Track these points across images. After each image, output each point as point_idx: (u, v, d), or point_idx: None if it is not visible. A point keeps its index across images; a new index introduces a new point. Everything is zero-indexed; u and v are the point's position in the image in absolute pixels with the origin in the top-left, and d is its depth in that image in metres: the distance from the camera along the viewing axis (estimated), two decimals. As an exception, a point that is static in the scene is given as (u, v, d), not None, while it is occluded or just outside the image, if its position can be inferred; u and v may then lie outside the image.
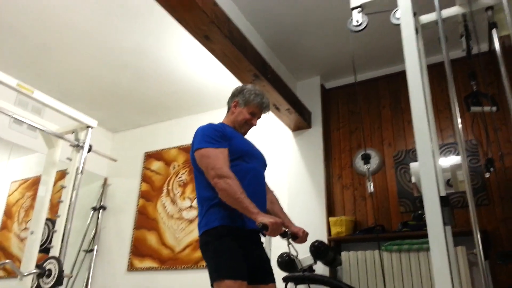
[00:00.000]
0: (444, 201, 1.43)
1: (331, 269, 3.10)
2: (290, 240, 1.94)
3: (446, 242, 1.41)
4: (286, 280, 2.81)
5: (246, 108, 2.08)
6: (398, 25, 1.74)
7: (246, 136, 2.14)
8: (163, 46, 3.28)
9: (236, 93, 2.13)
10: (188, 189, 4.06)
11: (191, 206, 3.97)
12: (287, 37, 3.25)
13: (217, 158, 1.82)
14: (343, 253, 3.05)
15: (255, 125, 2.12)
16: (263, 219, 1.67)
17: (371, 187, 1.81)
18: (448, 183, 3.05)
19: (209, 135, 1.90)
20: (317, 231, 3.22)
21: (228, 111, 2.16)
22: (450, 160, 3.10)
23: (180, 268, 3.78)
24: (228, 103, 2.16)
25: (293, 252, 1.91)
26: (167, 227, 4.02)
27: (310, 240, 2.84)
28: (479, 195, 2.93)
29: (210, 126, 1.97)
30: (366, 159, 2.21)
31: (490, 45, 1.66)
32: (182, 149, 4.28)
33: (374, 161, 3.40)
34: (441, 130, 3.23)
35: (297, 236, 1.99)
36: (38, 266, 2.35)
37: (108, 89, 3.90)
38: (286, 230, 1.92)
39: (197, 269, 3.70)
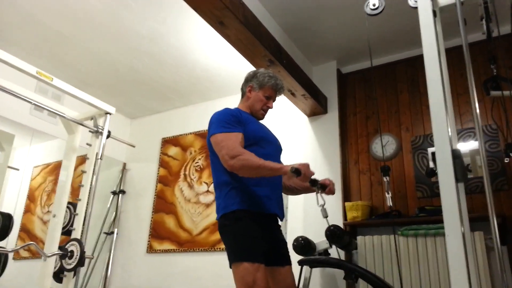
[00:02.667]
0: (456, 154, 1.42)
1: (346, 253, 3.12)
2: (319, 188, 1.95)
3: (458, 199, 1.40)
4: (301, 263, 2.84)
5: (261, 91, 2.08)
6: (416, 8, 1.70)
7: (262, 122, 2.15)
8: (179, 32, 3.29)
9: (250, 78, 2.13)
10: (205, 174, 4.11)
11: (207, 191, 4.03)
12: (303, 21, 3.22)
13: (230, 140, 1.84)
14: (359, 238, 3.06)
15: (272, 107, 2.13)
16: (293, 165, 1.74)
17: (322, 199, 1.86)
18: (467, 168, 3.02)
19: (224, 120, 1.92)
20: (333, 216, 3.23)
21: (242, 97, 2.17)
22: (470, 145, 3.05)
23: (197, 251, 3.85)
24: (242, 88, 2.17)
25: (321, 201, 1.92)
26: (184, 211, 4.09)
27: (325, 224, 2.87)
28: (498, 180, 2.89)
29: (226, 111, 1.98)
30: (385, 171, 2.20)
31: None
32: (198, 134, 4.32)
33: (391, 147, 3.37)
34: (460, 114, 3.17)
35: (326, 185, 1.98)
36: (60, 247, 2.43)
37: (125, 76, 3.94)
38: (316, 179, 1.91)
39: (214, 252, 3.77)
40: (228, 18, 2.40)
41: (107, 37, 3.36)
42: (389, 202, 2.59)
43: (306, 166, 1.76)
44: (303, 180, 1.79)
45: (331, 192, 2.00)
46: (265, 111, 2.12)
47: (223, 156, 1.82)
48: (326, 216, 1.93)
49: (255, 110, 2.09)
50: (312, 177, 1.83)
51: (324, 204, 1.93)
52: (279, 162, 2.09)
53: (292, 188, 2.18)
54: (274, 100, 2.14)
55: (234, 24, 2.46)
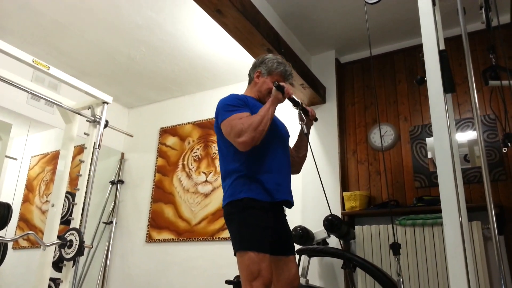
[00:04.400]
0: (443, 58, 1.42)
1: (344, 242, 3.14)
2: (302, 110, 2.08)
3: (446, 109, 1.41)
4: (300, 252, 2.86)
5: (270, 77, 2.05)
6: (415, -4, 1.69)
7: None
8: (176, 21, 3.26)
9: (258, 64, 2.10)
10: (203, 164, 4.11)
11: (206, 181, 4.03)
12: (301, 10, 3.19)
13: (234, 120, 1.83)
14: (357, 227, 3.07)
15: None
16: (274, 83, 1.92)
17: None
18: (465, 158, 3.02)
19: (230, 104, 1.91)
20: (331, 206, 3.24)
21: (250, 83, 2.14)
22: (468, 135, 3.06)
23: (196, 240, 3.87)
24: (250, 74, 2.14)
25: (303, 119, 2.07)
26: (183, 200, 4.09)
27: (323, 214, 2.88)
28: (496, 170, 2.90)
29: (232, 96, 1.97)
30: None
31: (511, 17, 1.60)
32: (196, 124, 4.31)
33: (389, 137, 3.37)
34: (459, 104, 3.17)
35: (307, 110, 2.09)
36: (59, 237, 2.44)
37: (122, 65, 3.91)
38: (300, 101, 2.08)
39: (213, 241, 3.79)
40: (225, 6, 2.37)
41: (104, 26, 3.33)
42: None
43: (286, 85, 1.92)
44: (288, 94, 1.92)
45: (313, 115, 2.11)
46: None
47: (234, 141, 1.82)
48: (307, 132, 2.09)
49: (263, 96, 2.05)
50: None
51: (305, 121, 2.07)
52: (287, 148, 2.09)
53: (294, 151, 2.17)
54: None
55: (232, 13, 2.44)
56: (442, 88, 1.52)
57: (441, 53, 1.42)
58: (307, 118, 2.09)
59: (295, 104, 2.03)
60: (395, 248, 1.84)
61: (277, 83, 1.89)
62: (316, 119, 2.13)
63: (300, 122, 2.06)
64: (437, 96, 1.53)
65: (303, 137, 2.14)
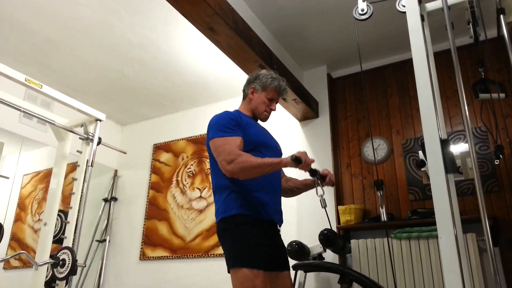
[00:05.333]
0: (444, 144, 1.44)
1: (340, 257, 3.13)
2: (319, 179, 1.96)
3: (448, 190, 1.41)
4: (296, 268, 2.83)
5: (264, 93, 2.05)
6: (404, 13, 1.72)
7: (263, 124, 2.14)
8: (169, 39, 3.29)
9: (252, 80, 2.10)
10: (197, 180, 4.09)
11: (200, 197, 4.01)
12: (293, 26, 3.23)
13: (227, 144, 1.81)
14: (353, 241, 3.06)
15: (275, 109, 2.10)
16: (292, 154, 1.73)
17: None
18: (458, 171, 3.04)
19: (223, 124, 1.89)
20: (326, 220, 3.23)
21: (244, 99, 2.13)
22: (460, 148, 3.08)
23: (191, 257, 3.83)
24: (244, 90, 2.13)
25: (320, 192, 1.91)
26: (177, 217, 4.06)
27: (319, 228, 2.87)
28: (489, 182, 2.92)
29: (225, 115, 1.95)
30: (378, 185, 2.23)
31: (498, 31, 1.64)
32: (190, 140, 4.30)
33: (382, 150, 3.39)
34: (450, 117, 3.20)
35: (325, 175, 1.99)
36: (52, 256, 2.40)
37: (115, 83, 3.92)
38: (315, 169, 1.92)
39: (208, 258, 3.75)
40: (218, 24, 2.40)
41: (97, 44, 3.35)
42: (383, 217, 2.62)
43: (305, 153, 1.76)
44: (304, 169, 1.79)
45: (331, 181, 2.00)
46: (268, 113, 2.09)
47: (221, 162, 1.80)
48: (325, 206, 1.93)
49: (258, 112, 2.05)
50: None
51: (324, 194, 1.92)
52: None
53: (291, 188, 2.17)
54: (277, 102, 2.11)
55: (224, 30, 2.46)
56: (432, 100, 1.54)
57: (443, 142, 1.47)
58: (323, 184, 1.99)
59: (313, 174, 1.94)
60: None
61: (295, 157, 1.73)
62: (333, 185, 2.05)
63: (318, 195, 1.92)
64: (428, 109, 1.55)
65: (306, 189, 2.14)
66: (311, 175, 1.94)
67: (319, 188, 1.93)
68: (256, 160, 1.76)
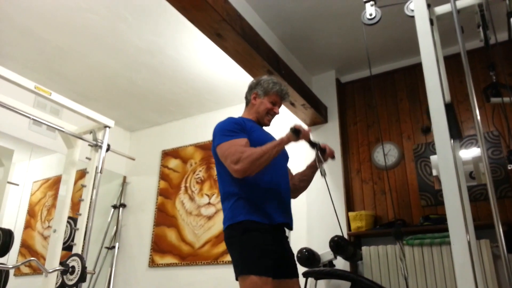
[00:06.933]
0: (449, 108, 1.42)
1: (351, 264, 3.08)
2: (319, 149, 2.00)
3: (454, 156, 1.38)
4: (306, 275, 2.80)
5: (266, 98, 2.08)
6: (413, 17, 1.70)
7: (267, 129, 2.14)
8: (177, 45, 3.30)
9: (254, 85, 2.13)
10: (206, 186, 4.08)
11: (209, 203, 4.00)
12: (301, 32, 3.22)
13: (233, 146, 1.82)
14: (364, 248, 3.02)
15: (278, 113, 2.12)
16: (290, 127, 1.80)
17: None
18: (471, 176, 2.99)
19: (227, 129, 1.90)
20: (337, 226, 3.19)
21: (247, 105, 2.15)
22: (472, 152, 3.03)
23: (200, 264, 3.81)
24: (246, 97, 2.16)
25: (321, 160, 1.98)
26: (186, 223, 4.05)
27: (329, 235, 2.84)
28: (502, 187, 2.86)
29: (229, 120, 1.97)
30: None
31: (509, 35, 1.61)
32: (198, 146, 4.30)
33: (393, 155, 3.35)
34: (461, 122, 3.16)
35: (325, 149, 2.02)
36: (61, 263, 2.40)
37: (124, 89, 3.94)
38: (316, 141, 1.98)
39: (217, 265, 3.73)
40: (225, 30, 2.40)
41: (105, 51, 3.37)
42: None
43: (300, 125, 1.84)
44: (304, 138, 1.85)
45: (331, 153, 2.04)
46: (271, 117, 2.11)
47: (229, 166, 1.80)
48: (325, 175, 1.97)
49: (261, 117, 2.07)
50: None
51: (323, 163, 1.98)
52: (287, 170, 2.08)
53: (300, 178, 2.15)
54: (279, 106, 2.14)
55: (232, 36, 2.46)
56: (443, 105, 1.52)
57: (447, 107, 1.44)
58: (324, 158, 2.03)
59: (312, 145, 1.99)
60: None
61: (294, 128, 1.81)
62: (333, 158, 2.09)
63: (318, 164, 1.99)
64: (438, 114, 1.52)
65: (313, 170, 2.13)
66: (311, 146, 1.98)
67: (320, 156, 1.99)
68: (260, 149, 1.79)
